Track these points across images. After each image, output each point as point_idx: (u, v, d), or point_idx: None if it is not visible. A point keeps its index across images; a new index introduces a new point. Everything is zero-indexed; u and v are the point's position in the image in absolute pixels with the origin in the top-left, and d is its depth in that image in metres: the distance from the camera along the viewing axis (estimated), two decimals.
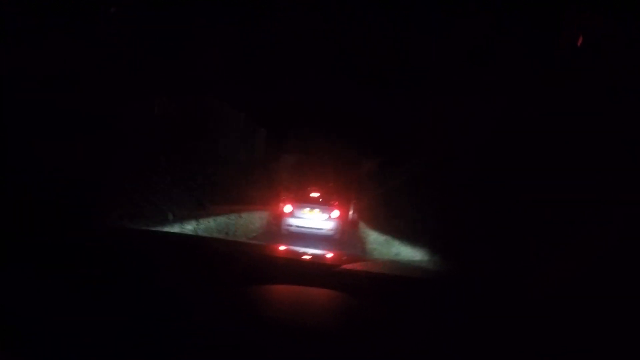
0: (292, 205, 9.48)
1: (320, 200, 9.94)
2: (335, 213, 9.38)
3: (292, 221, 9.24)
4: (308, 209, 9.32)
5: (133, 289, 0.95)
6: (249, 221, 8.98)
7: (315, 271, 1.26)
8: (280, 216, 10.17)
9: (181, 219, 5.24)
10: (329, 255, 2.34)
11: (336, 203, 10.02)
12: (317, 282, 1.09)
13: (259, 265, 1.31)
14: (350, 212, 13.17)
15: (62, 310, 0.79)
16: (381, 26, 5.71)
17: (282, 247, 3.08)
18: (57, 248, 1.17)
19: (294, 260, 1.46)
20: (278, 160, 12.83)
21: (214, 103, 6.60)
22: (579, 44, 3.06)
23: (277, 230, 10.06)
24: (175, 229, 5.09)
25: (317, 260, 1.76)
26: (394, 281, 1.28)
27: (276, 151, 11.45)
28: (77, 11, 3.28)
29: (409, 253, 5.47)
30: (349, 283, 1.13)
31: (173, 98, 5.29)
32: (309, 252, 2.50)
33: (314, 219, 9.24)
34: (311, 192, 10.59)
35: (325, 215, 9.29)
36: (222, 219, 6.97)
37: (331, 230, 9.21)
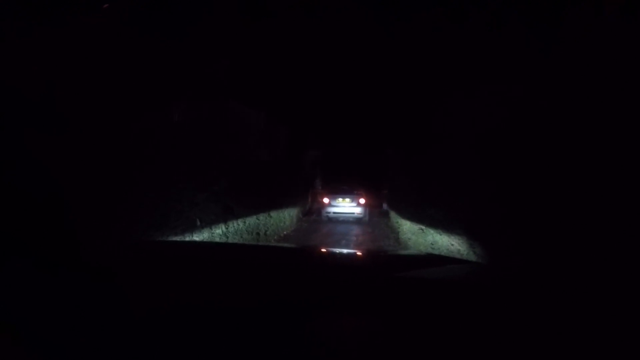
0: (328, 197, 12.13)
1: (349, 190, 12.10)
2: (362, 200, 11.89)
3: (330, 209, 11.99)
4: (341, 198, 11.88)
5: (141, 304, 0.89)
6: (278, 220, 8.96)
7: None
8: (315, 208, 13.49)
9: (209, 223, 5.23)
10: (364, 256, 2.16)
11: (362, 192, 12.18)
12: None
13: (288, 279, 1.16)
14: (384, 205, 13.89)
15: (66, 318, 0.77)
16: (389, 26, 5.63)
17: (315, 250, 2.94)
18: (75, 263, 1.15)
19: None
20: (303, 156, 12.80)
21: (233, 105, 6.54)
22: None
23: (307, 226, 11.10)
24: (205, 234, 5.09)
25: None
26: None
27: (300, 147, 11.65)
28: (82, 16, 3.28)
29: (445, 242, 5.21)
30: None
31: (192, 104, 5.26)
32: (343, 254, 2.34)
33: (346, 206, 11.84)
34: (341, 184, 12.67)
35: (355, 203, 11.79)
36: (251, 220, 6.94)
37: (360, 214, 11.80)
